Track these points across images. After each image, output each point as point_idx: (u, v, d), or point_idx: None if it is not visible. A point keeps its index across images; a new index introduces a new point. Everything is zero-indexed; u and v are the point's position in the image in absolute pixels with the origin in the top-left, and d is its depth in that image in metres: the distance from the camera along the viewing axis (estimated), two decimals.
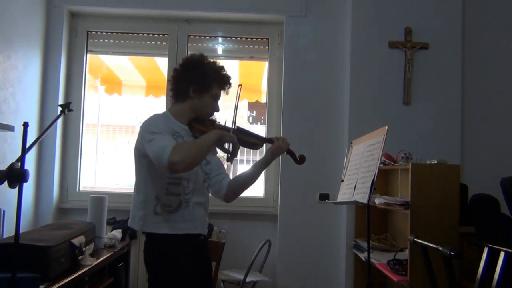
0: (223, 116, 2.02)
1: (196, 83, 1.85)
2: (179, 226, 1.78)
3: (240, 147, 1.81)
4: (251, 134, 1.97)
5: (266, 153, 1.95)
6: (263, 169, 1.97)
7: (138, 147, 1.78)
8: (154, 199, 1.77)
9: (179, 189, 1.79)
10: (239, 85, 1.88)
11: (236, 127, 1.86)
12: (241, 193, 1.99)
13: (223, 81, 1.92)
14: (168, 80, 1.98)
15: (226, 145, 1.81)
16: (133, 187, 1.86)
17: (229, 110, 2.01)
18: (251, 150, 3.66)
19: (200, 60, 1.90)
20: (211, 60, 1.92)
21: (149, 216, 1.77)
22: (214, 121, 1.94)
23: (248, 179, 1.97)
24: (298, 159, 2.02)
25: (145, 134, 1.72)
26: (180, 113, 1.88)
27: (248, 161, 3.67)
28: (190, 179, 1.82)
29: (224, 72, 1.92)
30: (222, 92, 1.94)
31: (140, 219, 1.79)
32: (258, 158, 3.59)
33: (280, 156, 1.99)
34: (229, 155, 1.76)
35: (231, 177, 2.01)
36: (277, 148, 1.92)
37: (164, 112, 1.91)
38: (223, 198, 1.98)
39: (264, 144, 2.02)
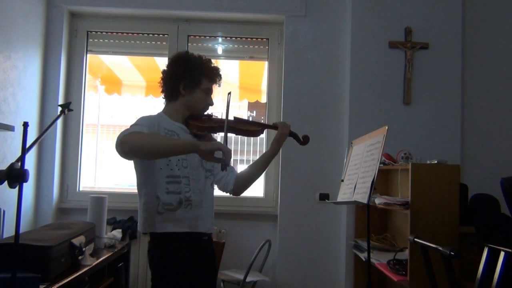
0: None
1: (185, 79, 1.85)
2: (180, 224, 1.78)
3: (245, 137, 1.76)
4: (249, 122, 1.96)
5: (271, 144, 1.95)
6: (271, 160, 1.98)
7: None
8: (155, 199, 1.77)
9: (179, 187, 1.78)
10: (229, 93, 1.81)
11: (233, 118, 1.85)
12: (249, 186, 2.00)
13: (212, 74, 1.90)
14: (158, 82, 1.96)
15: (216, 155, 1.59)
16: (132, 187, 1.87)
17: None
18: (251, 150, 3.66)
19: (186, 56, 1.89)
20: (198, 55, 1.91)
21: (153, 217, 1.77)
22: (210, 116, 1.92)
23: (256, 172, 1.98)
24: (302, 140, 2.01)
25: None
26: (174, 112, 1.88)
27: (248, 161, 3.66)
28: (189, 177, 1.82)
29: (212, 65, 1.91)
30: (214, 85, 1.92)
31: (145, 221, 1.80)
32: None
33: (281, 154, 1.99)
34: (223, 164, 1.59)
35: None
36: (281, 135, 1.92)
37: (157, 113, 1.90)
38: (232, 193, 1.99)
39: (264, 131, 2.00)
